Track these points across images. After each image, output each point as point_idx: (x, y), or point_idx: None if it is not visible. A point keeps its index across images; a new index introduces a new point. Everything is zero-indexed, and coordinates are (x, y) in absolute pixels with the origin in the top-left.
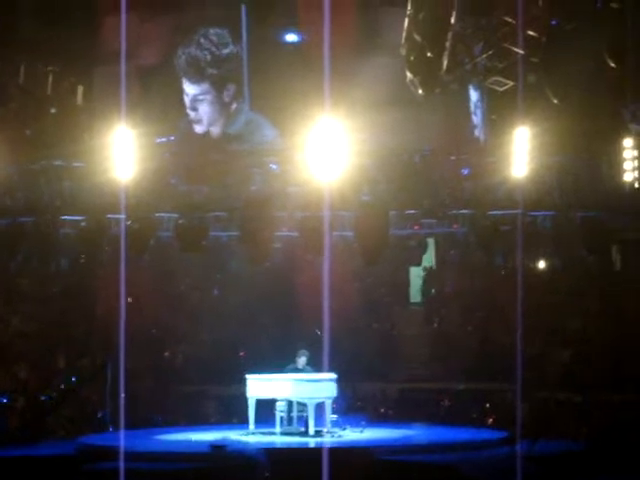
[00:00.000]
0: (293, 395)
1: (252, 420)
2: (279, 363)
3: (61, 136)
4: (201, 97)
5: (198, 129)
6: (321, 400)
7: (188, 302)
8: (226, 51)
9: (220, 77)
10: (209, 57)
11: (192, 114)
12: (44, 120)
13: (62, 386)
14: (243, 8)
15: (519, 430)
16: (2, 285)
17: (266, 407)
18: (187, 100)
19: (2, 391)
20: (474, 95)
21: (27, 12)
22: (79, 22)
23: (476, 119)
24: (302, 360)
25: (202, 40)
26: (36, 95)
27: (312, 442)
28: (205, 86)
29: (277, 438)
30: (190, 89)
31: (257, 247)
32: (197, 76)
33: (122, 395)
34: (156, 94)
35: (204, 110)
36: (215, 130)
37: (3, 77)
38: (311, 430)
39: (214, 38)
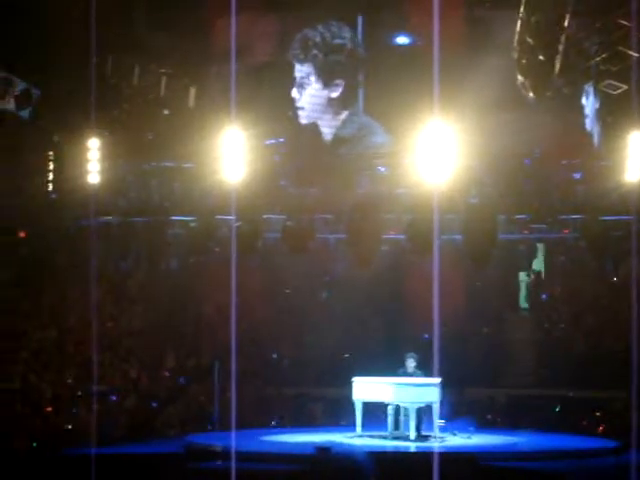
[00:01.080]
0: (394, 399)
1: (359, 423)
2: (390, 367)
3: (173, 137)
4: (305, 80)
5: (302, 118)
6: (422, 404)
7: (295, 304)
8: (338, 41)
9: (326, 64)
10: (318, 39)
11: (296, 98)
12: (157, 121)
13: (171, 386)
14: (359, 18)
15: (634, 439)
16: (113, 284)
17: (379, 410)
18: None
19: (112, 389)
20: (589, 98)
21: (140, 13)
22: (192, 23)
23: (590, 122)
24: (410, 364)
25: (320, 26)
26: (149, 97)
27: (413, 447)
28: (309, 69)
29: (380, 442)
30: (297, 71)
31: (364, 249)
32: (303, 55)
33: (233, 395)
34: (267, 93)
35: (307, 96)
36: (325, 130)
37: (117, 78)
38: (412, 435)
39: (332, 28)
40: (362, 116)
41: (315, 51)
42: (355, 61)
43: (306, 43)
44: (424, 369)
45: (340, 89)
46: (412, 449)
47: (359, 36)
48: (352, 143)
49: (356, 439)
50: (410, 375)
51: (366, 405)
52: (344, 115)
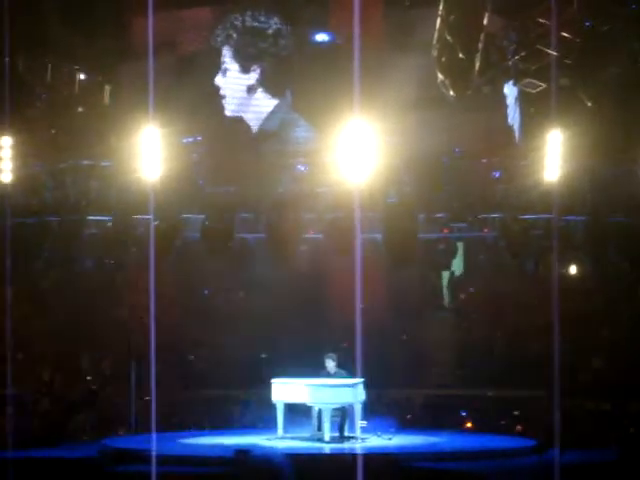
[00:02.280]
0: (309, 400)
1: (280, 425)
2: (313, 368)
3: (88, 135)
4: (227, 66)
5: (226, 110)
6: (336, 405)
7: (214, 304)
8: (257, 25)
9: (242, 46)
10: (239, 23)
11: (220, 86)
12: (71, 119)
13: (85, 388)
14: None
15: (556, 438)
16: (26, 285)
17: (307, 411)
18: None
19: (25, 392)
20: (510, 97)
21: (54, 10)
22: (106, 19)
23: (511, 112)
24: (330, 364)
25: (246, 13)
26: (63, 94)
27: (332, 448)
28: (228, 52)
29: (301, 443)
30: (222, 57)
31: (284, 249)
32: (223, 38)
33: (152, 397)
34: (189, 88)
35: (228, 83)
36: (250, 122)
37: (30, 76)
38: (326, 436)
39: (257, 14)
40: (287, 110)
41: (233, 33)
42: (276, 48)
43: (227, 26)
44: (346, 369)
45: (257, 75)
46: (332, 451)
47: (285, 28)
48: (276, 137)
49: (277, 441)
50: (332, 376)
51: (293, 406)
52: (269, 108)
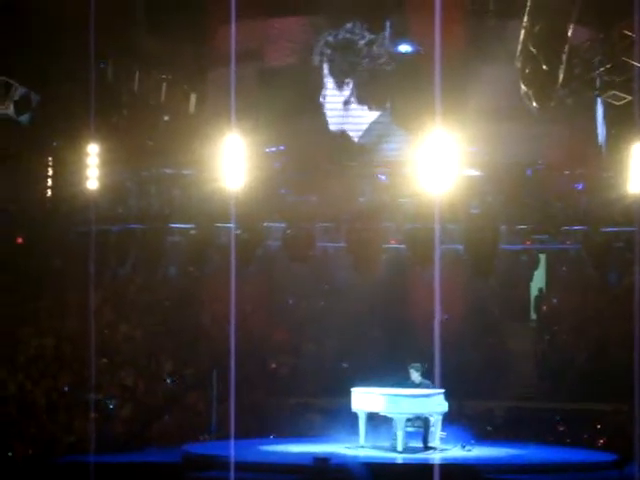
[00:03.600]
0: (384, 409)
1: (362, 433)
2: (397, 378)
3: (173, 144)
4: (325, 82)
5: (330, 125)
6: (410, 415)
7: (295, 313)
8: (349, 37)
9: (337, 63)
10: (331, 38)
11: (322, 103)
12: (157, 128)
13: (168, 394)
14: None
15: (637, 453)
16: (111, 291)
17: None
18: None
19: (109, 397)
20: (599, 115)
21: (141, 18)
22: (193, 28)
23: (600, 131)
24: (414, 374)
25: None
26: (149, 103)
27: (400, 458)
28: (326, 67)
29: (381, 453)
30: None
31: (364, 258)
32: (318, 54)
33: (231, 404)
34: (274, 100)
35: (328, 99)
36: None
37: (118, 84)
38: (399, 446)
39: (353, 27)
40: (386, 123)
41: (327, 50)
42: (368, 60)
43: (321, 44)
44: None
45: (350, 89)
46: (406, 460)
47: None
48: (374, 149)
49: (357, 450)
50: (417, 386)
51: (379, 416)
52: (368, 120)
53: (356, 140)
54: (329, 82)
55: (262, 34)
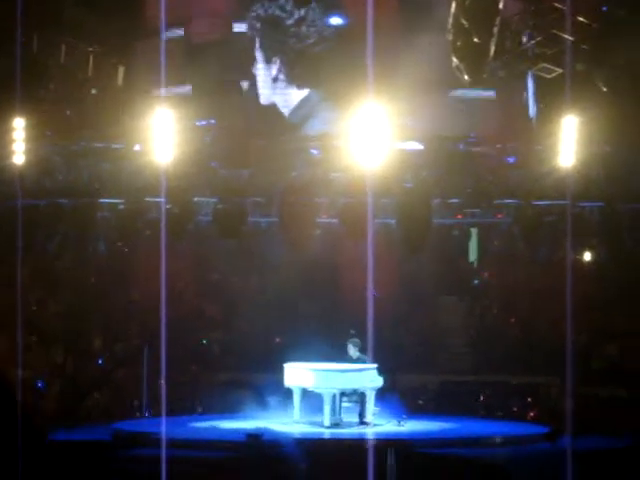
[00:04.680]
0: (314, 385)
1: (297, 409)
2: (331, 352)
3: (101, 117)
4: (257, 55)
5: (261, 97)
6: (335, 391)
7: (226, 289)
8: (279, 14)
9: (266, 39)
10: (262, 12)
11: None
12: (84, 101)
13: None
14: None
15: (568, 425)
16: (40, 267)
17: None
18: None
19: (39, 375)
20: (530, 83)
21: None
22: (121, 1)
23: (531, 105)
24: (352, 350)
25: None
26: (77, 76)
27: (327, 433)
28: (257, 41)
29: (313, 428)
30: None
31: (297, 233)
32: (249, 26)
33: (162, 381)
34: (202, 74)
35: (259, 74)
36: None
37: (44, 57)
38: (325, 421)
39: (287, 5)
40: (316, 101)
41: (257, 23)
42: (296, 39)
43: (252, 16)
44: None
45: (277, 67)
46: (343, 436)
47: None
48: (301, 125)
49: (292, 426)
50: (355, 361)
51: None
52: (298, 97)
53: (286, 115)
54: (258, 55)
55: (187, 7)
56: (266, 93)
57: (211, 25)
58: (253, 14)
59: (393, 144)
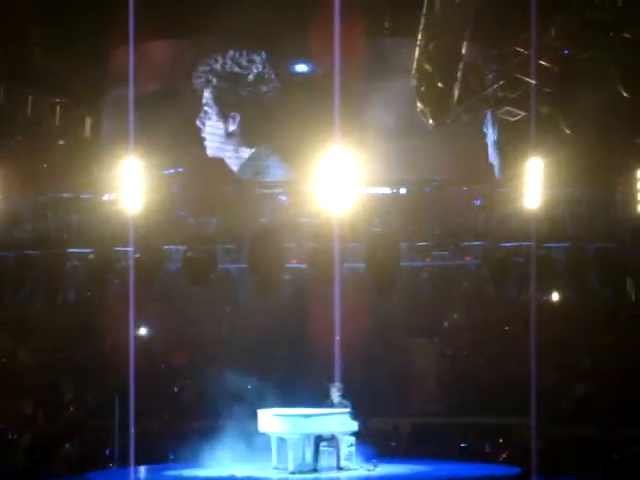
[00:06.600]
0: (281, 431)
1: (274, 455)
2: (315, 397)
3: (69, 168)
4: (207, 109)
5: (208, 149)
6: (298, 436)
7: (197, 336)
8: (238, 71)
9: (222, 93)
10: (219, 67)
11: (201, 128)
12: (52, 152)
13: (69, 422)
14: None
15: (533, 465)
16: (9, 318)
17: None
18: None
19: (9, 427)
20: (489, 127)
21: (35, 44)
22: (87, 53)
23: (491, 152)
24: (335, 394)
25: (228, 53)
26: (44, 127)
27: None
28: (209, 95)
29: (285, 474)
30: (204, 98)
31: (267, 279)
32: (204, 80)
33: (132, 430)
34: (166, 122)
35: (209, 127)
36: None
37: (11, 109)
38: (290, 466)
39: (237, 56)
40: (265, 157)
41: (213, 78)
42: (255, 95)
43: (207, 70)
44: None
45: (236, 122)
46: None
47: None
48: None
49: (266, 472)
50: (335, 406)
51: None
52: (248, 153)
53: (235, 170)
54: (211, 110)
55: (138, 58)
56: (214, 147)
57: (154, 77)
58: (207, 68)
59: (360, 189)
